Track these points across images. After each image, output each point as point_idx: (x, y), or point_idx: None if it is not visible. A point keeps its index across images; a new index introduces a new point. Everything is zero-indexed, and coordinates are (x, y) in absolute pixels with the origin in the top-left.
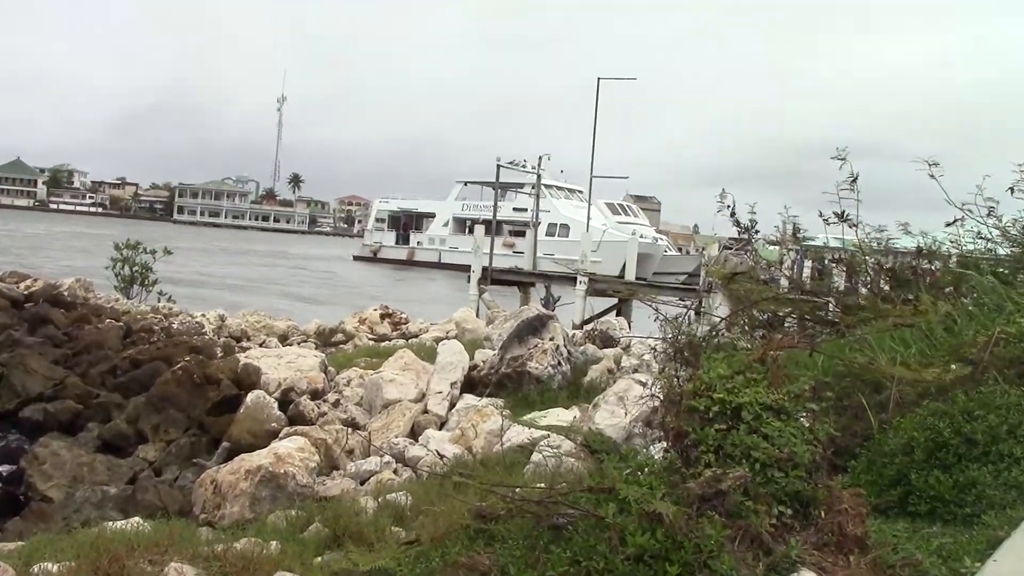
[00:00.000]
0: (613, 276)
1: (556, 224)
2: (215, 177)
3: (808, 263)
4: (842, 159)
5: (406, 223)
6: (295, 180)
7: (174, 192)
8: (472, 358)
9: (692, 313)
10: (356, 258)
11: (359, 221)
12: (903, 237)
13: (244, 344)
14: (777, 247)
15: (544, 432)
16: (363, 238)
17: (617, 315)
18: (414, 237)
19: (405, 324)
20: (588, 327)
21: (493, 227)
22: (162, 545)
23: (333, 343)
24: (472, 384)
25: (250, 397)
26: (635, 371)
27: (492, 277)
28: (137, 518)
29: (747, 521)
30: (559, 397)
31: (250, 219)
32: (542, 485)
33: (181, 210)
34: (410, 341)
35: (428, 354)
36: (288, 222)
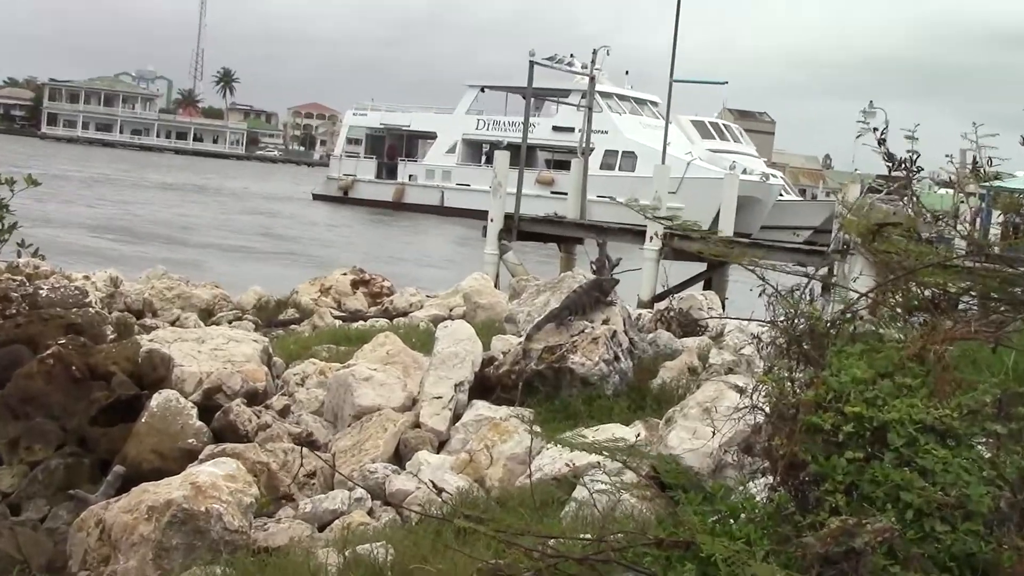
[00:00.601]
0: (702, 229)
1: (617, 152)
2: (105, 72)
3: (998, 215)
4: None
5: (393, 147)
6: (226, 79)
7: (42, 92)
8: (487, 348)
9: (818, 285)
10: (317, 197)
11: (322, 143)
12: None
13: (148, 321)
14: (950, 191)
15: (592, 457)
16: (328, 168)
17: (705, 288)
18: (404, 168)
19: (388, 296)
20: (661, 305)
21: (523, 154)
22: None
23: (281, 322)
24: (486, 386)
25: (156, 400)
26: (729, 371)
27: (520, 229)
28: None
29: None
30: (615, 407)
31: (159, 135)
32: (588, 536)
33: (53, 119)
34: (396, 321)
35: (422, 341)
36: (216, 141)
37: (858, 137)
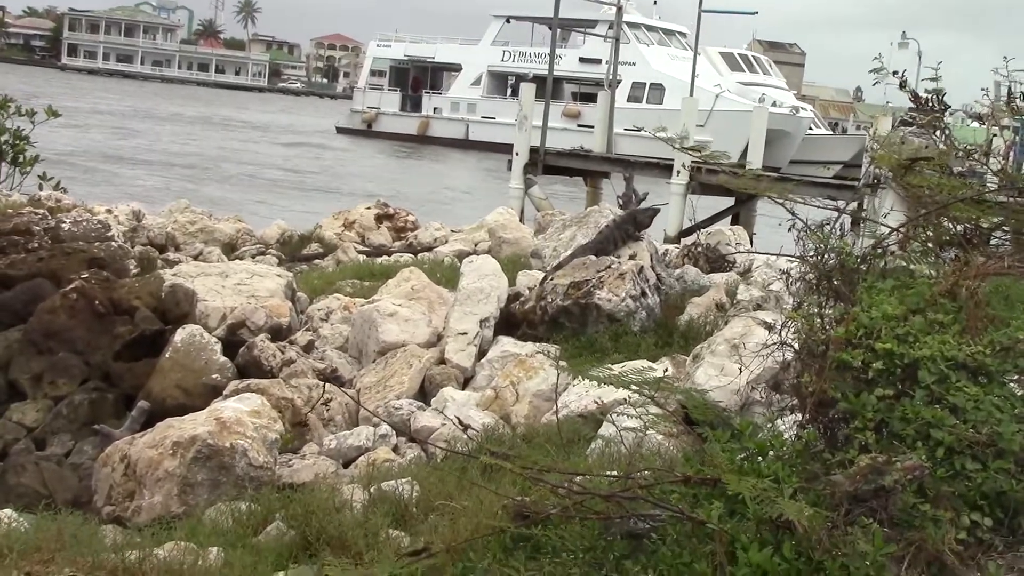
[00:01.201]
0: (731, 163)
1: (644, 84)
2: (126, 1)
3: None
4: None
5: (417, 79)
6: (247, 9)
7: (62, 22)
8: (513, 283)
9: (847, 220)
10: (341, 130)
11: (345, 75)
12: None
13: (171, 256)
14: (983, 124)
15: (620, 394)
16: (352, 100)
17: (733, 223)
18: (429, 100)
19: (413, 231)
20: (688, 240)
21: (549, 87)
22: (46, 551)
23: (305, 257)
24: (512, 322)
25: (180, 335)
26: (758, 308)
27: (545, 163)
28: (8, 510)
29: (922, 533)
30: (642, 344)
31: (180, 67)
32: (614, 473)
33: (74, 50)
34: (420, 256)
35: (447, 276)
36: (238, 73)
37: (874, 76)
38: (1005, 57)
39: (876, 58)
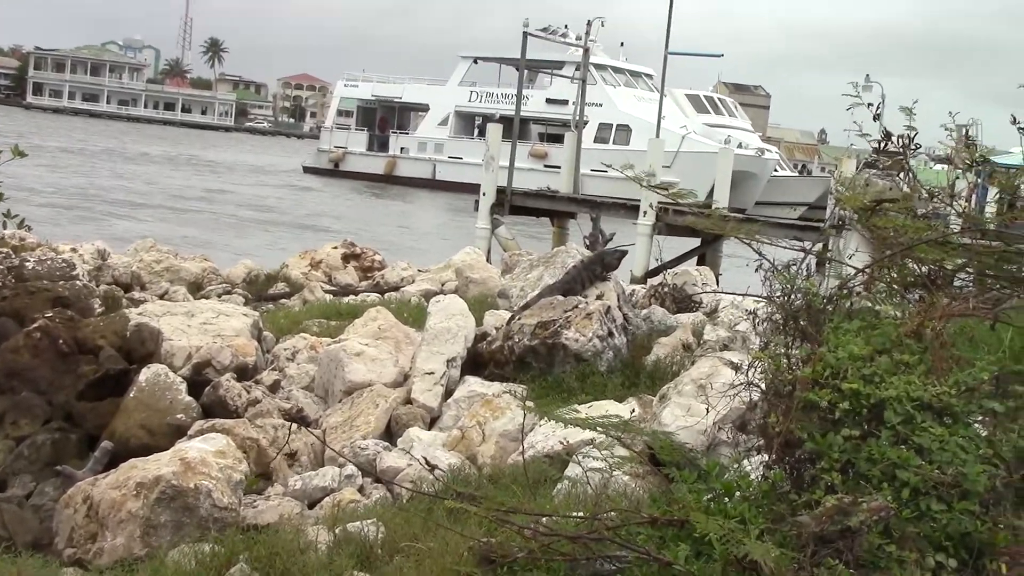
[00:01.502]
0: (697, 200)
1: (611, 125)
2: (92, 40)
3: (993, 191)
4: None
5: (384, 119)
6: (214, 49)
7: (27, 61)
8: (480, 323)
9: (813, 261)
10: (308, 170)
11: (312, 115)
12: None
13: (137, 295)
14: (946, 166)
15: (586, 434)
16: (319, 140)
17: (700, 263)
18: (396, 140)
19: (380, 271)
20: (655, 281)
21: (515, 127)
22: None
23: (271, 296)
24: (479, 362)
25: (144, 375)
26: (724, 348)
27: (512, 203)
28: None
29: (888, 575)
30: (609, 384)
31: (146, 106)
32: (581, 514)
33: (39, 89)
34: (387, 296)
35: (414, 316)
36: (204, 112)
37: (848, 109)
38: (951, 112)
39: (855, 94)
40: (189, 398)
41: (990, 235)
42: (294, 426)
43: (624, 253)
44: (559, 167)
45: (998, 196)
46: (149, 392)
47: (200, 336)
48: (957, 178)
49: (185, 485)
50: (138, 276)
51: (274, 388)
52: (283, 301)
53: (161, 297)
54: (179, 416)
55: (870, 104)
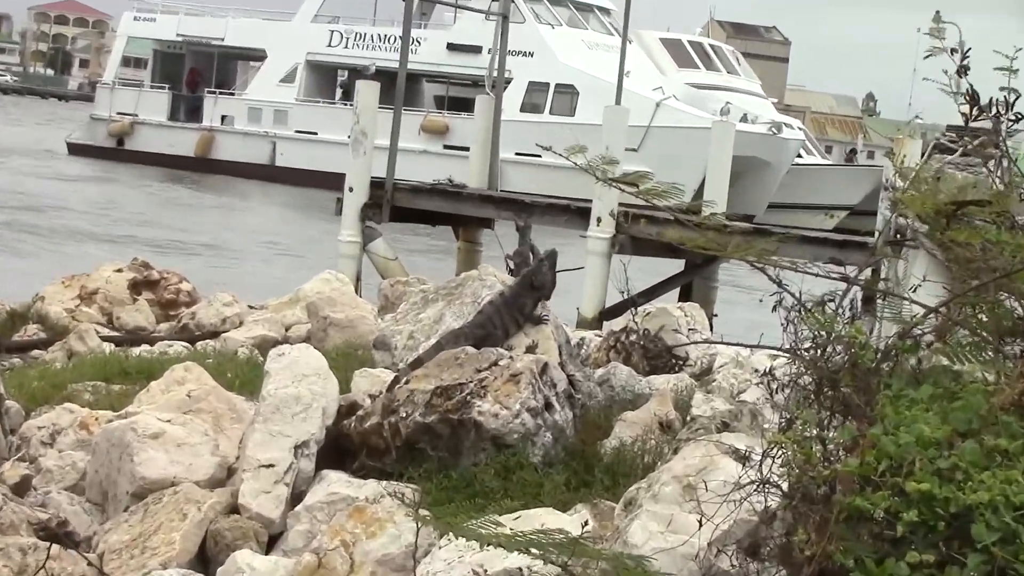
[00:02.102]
0: (679, 203)
1: (547, 85)
2: None
3: None
4: None
5: (196, 72)
6: None
7: None
8: (346, 389)
9: (860, 295)
10: (76, 148)
11: (83, 64)
12: None
13: None
14: None
15: (512, 560)
16: (93, 103)
17: (684, 298)
18: (214, 105)
19: (188, 306)
20: (616, 324)
21: (400, 87)
22: None
23: (18, 346)
24: (344, 449)
25: None
26: (724, 427)
27: (395, 204)
28: None
29: None
30: (547, 483)
31: None
32: None
33: None
34: (201, 346)
35: (244, 377)
36: None
37: (926, 57)
38: None
39: (930, 48)
40: None
41: None
42: (54, 548)
43: (553, 257)
44: (467, 149)
45: None
46: None
47: None
48: None
49: None
50: None
51: (22, 489)
52: (37, 353)
53: None
54: None
55: (953, 51)
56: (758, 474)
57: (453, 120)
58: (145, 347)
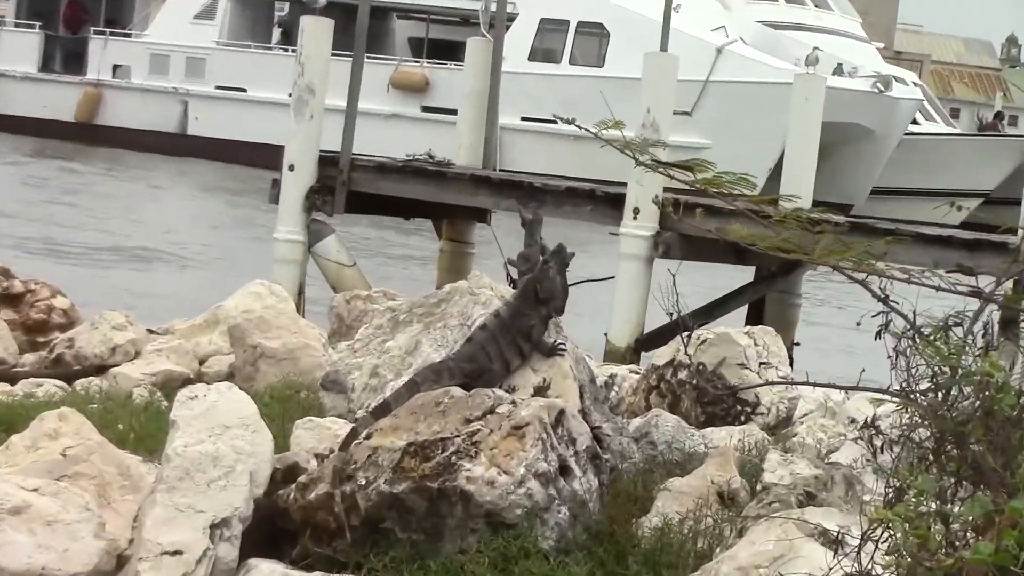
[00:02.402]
0: (746, 191)
1: (566, 23)
2: None
3: None
4: None
5: (77, 5)
6: None
7: None
8: (283, 446)
9: (997, 317)
10: None
11: None
12: None
13: None
14: None
15: None
16: None
17: (753, 320)
18: (103, 50)
19: (64, 328)
20: (659, 357)
21: (362, 25)
22: None
23: None
24: (279, 526)
25: None
26: (808, 499)
27: (353, 187)
28: None
29: None
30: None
31: None
32: None
33: None
34: (81, 385)
35: (142, 429)
36: None
37: None
38: None
39: None
40: None
41: None
42: None
43: (561, 255)
44: (453, 112)
45: None
46: None
47: None
48: None
49: None
50: None
51: None
52: None
53: None
54: None
55: None
56: (855, 565)
57: (435, 72)
58: (3, 386)
